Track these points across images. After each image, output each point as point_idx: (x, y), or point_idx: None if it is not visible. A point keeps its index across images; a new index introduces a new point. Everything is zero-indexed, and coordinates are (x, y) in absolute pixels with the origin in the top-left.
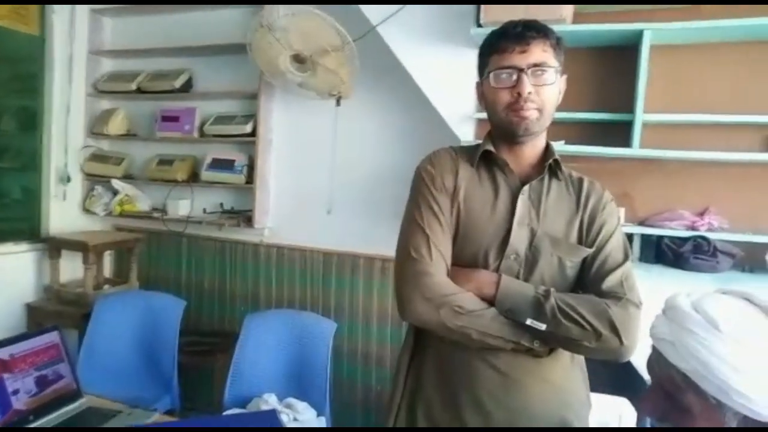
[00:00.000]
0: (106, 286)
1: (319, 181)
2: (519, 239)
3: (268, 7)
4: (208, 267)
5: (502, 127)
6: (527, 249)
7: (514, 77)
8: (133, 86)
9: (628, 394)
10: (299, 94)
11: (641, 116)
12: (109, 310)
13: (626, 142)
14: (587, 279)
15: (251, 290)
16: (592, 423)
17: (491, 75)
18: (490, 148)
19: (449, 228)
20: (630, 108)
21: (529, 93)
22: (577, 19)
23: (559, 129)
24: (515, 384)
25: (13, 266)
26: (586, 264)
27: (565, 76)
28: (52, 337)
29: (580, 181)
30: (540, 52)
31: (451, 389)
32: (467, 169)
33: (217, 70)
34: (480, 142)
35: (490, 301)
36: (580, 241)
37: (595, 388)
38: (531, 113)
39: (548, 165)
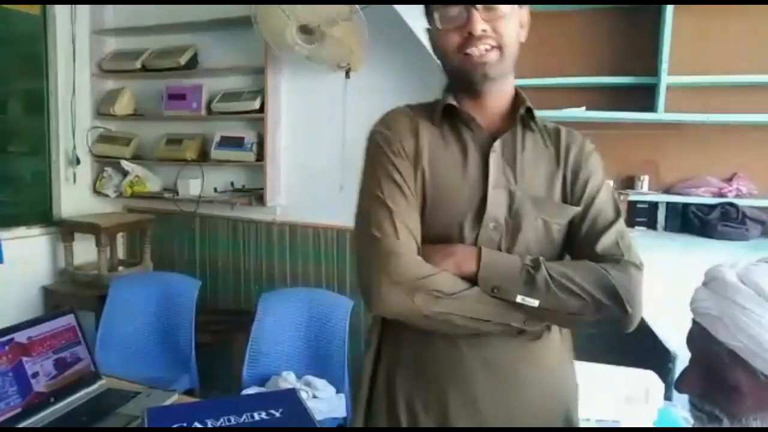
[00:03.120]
0: (120, 268)
1: (331, 156)
2: (497, 204)
3: None
4: (221, 246)
5: (457, 75)
6: (507, 214)
7: (464, 14)
8: (138, 64)
9: (653, 366)
10: (307, 67)
11: (666, 79)
12: (124, 291)
13: (650, 107)
14: (577, 242)
15: (265, 269)
16: (619, 398)
17: (435, 15)
18: (452, 101)
19: (415, 198)
20: (653, 71)
21: (483, 30)
22: None
23: (579, 94)
24: (506, 374)
25: (28, 250)
26: (573, 225)
27: (526, 8)
28: (69, 319)
29: (557, 131)
30: None
31: (434, 389)
32: (428, 129)
33: (222, 45)
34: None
35: (472, 280)
36: (564, 200)
37: (616, 360)
38: (489, 55)
39: (520, 116)
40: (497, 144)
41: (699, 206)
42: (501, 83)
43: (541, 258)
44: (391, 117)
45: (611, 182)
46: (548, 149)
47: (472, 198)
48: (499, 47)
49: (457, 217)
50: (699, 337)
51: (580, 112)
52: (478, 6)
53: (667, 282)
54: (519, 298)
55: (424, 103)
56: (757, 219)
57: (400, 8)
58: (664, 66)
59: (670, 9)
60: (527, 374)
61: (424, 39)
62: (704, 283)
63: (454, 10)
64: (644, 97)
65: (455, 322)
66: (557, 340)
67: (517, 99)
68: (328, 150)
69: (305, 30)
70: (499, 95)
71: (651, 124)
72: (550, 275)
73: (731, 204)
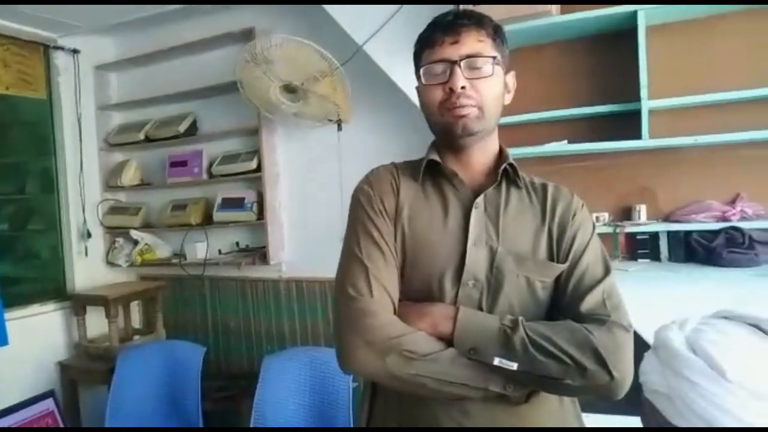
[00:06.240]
0: (136, 337)
1: (331, 209)
2: (476, 261)
3: (251, 42)
4: (231, 307)
5: (440, 130)
6: (488, 272)
7: (447, 72)
8: (141, 136)
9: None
10: (300, 124)
11: (647, 103)
12: (130, 364)
13: (635, 134)
14: (562, 301)
15: (275, 327)
16: None
17: (422, 71)
18: (435, 158)
19: (393, 256)
20: (635, 96)
21: (463, 88)
22: (564, 9)
23: (560, 127)
24: None
25: (43, 326)
26: (560, 284)
27: (513, 73)
28: (47, 404)
29: (544, 187)
30: (474, 42)
31: None
32: (411, 186)
33: (219, 110)
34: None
35: (449, 341)
36: (551, 257)
37: (603, 409)
38: (468, 110)
39: (502, 171)
40: (479, 200)
41: (702, 233)
42: (483, 140)
43: (520, 318)
44: (374, 175)
45: (604, 230)
46: (534, 206)
47: (451, 254)
48: (479, 106)
49: (437, 273)
50: (653, 416)
51: (561, 146)
52: (462, 65)
53: (672, 318)
54: (496, 361)
55: (411, 160)
56: (767, 242)
57: (378, 59)
58: (644, 91)
59: (642, 32)
60: None
61: (407, 89)
62: (654, 348)
63: (439, 68)
64: (631, 125)
65: (428, 386)
66: (553, 404)
67: (501, 156)
68: (328, 203)
69: (289, 89)
70: (482, 152)
71: (643, 151)
72: (528, 336)
73: (736, 228)
